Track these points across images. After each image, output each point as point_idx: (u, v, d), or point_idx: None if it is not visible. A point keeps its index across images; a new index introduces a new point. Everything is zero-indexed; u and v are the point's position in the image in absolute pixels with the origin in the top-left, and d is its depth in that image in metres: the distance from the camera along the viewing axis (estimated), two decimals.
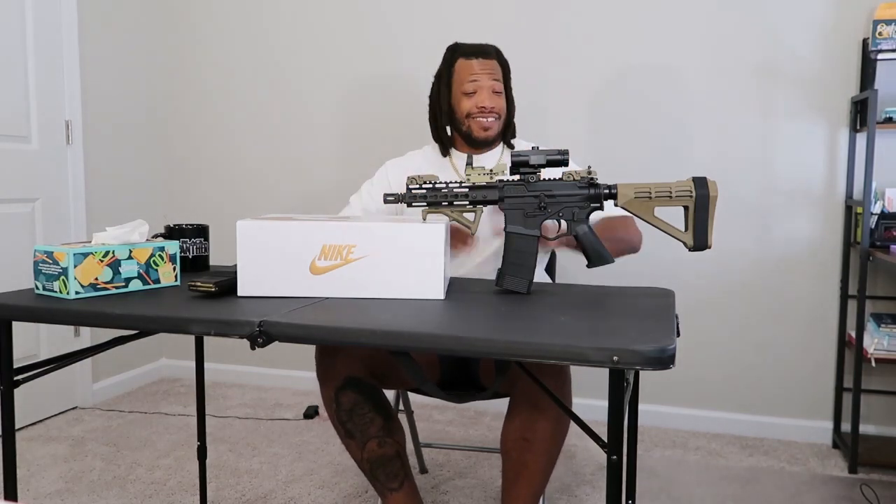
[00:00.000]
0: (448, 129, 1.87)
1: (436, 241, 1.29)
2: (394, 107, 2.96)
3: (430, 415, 2.85)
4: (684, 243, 1.36)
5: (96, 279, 1.32)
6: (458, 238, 1.63)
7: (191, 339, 1.75)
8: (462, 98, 1.79)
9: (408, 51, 2.93)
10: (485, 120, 1.77)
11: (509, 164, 1.40)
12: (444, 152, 1.87)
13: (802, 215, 2.60)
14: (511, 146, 1.88)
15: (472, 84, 1.77)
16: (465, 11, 2.85)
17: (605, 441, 1.03)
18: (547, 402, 1.48)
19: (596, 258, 1.42)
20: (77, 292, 1.30)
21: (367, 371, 1.59)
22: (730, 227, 2.60)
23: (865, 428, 2.54)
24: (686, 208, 1.36)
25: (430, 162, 1.88)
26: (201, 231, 1.63)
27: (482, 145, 1.82)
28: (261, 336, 1.10)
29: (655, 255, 2.62)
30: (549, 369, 1.45)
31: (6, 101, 2.59)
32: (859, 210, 2.41)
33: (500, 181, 1.39)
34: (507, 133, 1.87)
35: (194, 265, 1.61)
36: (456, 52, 1.82)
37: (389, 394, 1.98)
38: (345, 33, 3.02)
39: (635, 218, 1.50)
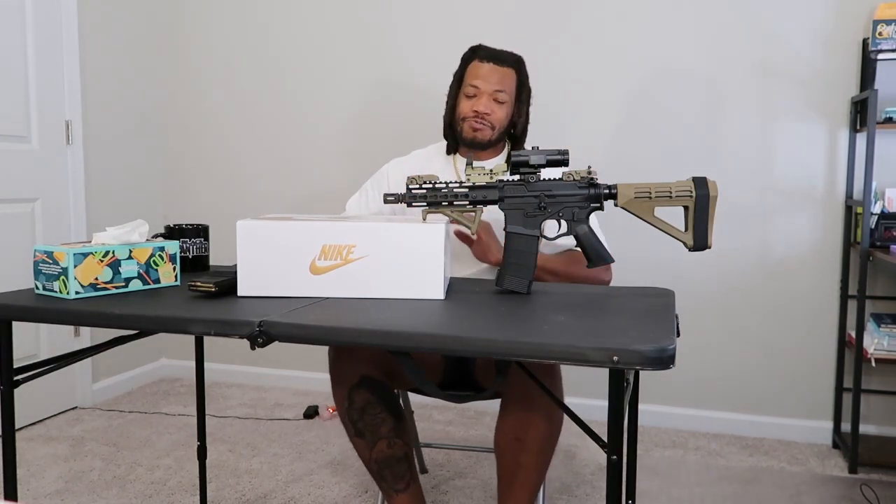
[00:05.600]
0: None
1: (436, 241, 1.29)
2: (396, 109, 2.96)
3: (430, 415, 2.85)
4: (684, 243, 1.36)
5: (96, 279, 1.32)
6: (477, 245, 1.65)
7: (191, 339, 1.75)
8: (463, 99, 1.78)
9: (411, 54, 2.93)
10: (476, 123, 1.75)
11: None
12: (449, 150, 1.86)
13: (802, 215, 2.60)
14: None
15: (473, 87, 1.76)
16: (473, 16, 2.85)
17: (605, 441, 1.03)
18: (539, 402, 1.48)
19: (596, 258, 1.42)
20: (77, 292, 1.29)
21: (381, 371, 1.60)
22: (730, 227, 2.60)
23: (865, 428, 2.54)
24: (686, 208, 1.36)
25: (432, 162, 1.88)
26: (201, 231, 1.63)
27: (475, 147, 1.79)
28: (261, 336, 1.10)
29: (655, 255, 2.62)
30: (540, 368, 1.45)
31: (6, 101, 2.59)
32: (859, 210, 2.41)
33: (500, 181, 1.39)
34: (516, 145, 1.84)
35: (194, 265, 1.61)
36: (474, 54, 1.80)
37: None
38: (348, 35, 3.02)
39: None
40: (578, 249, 1.74)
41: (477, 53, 1.79)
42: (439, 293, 1.30)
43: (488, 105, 1.75)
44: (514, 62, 1.79)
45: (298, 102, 3.11)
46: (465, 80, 1.79)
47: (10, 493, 1.33)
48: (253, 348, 1.12)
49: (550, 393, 1.20)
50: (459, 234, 1.63)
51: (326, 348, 1.62)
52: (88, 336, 2.91)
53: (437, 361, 1.75)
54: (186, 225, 1.61)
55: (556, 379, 1.54)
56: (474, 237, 1.61)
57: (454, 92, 1.82)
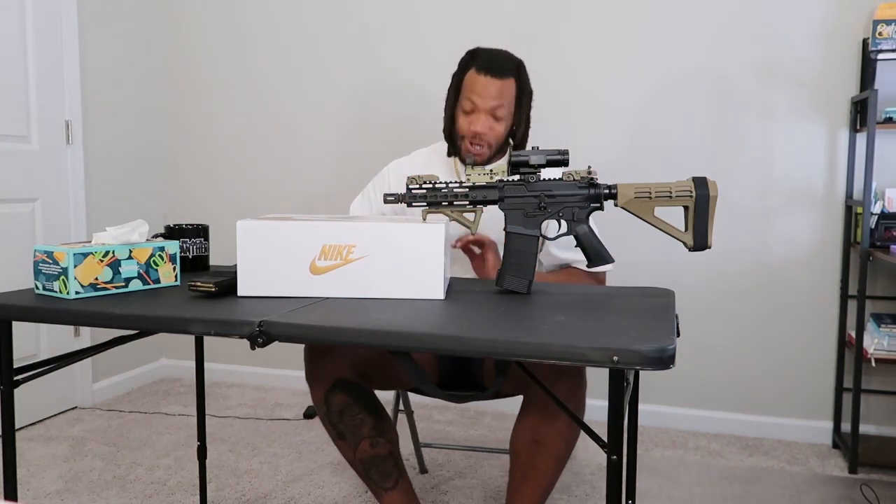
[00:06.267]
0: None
1: (436, 241, 1.29)
2: (395, 110, 2.96)
3: (430, 415, 2.85)
4: (684, 243, 1.36)
5: (96, 279, 1.32)
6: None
7: (191, 339, 1.75)
8: (461, 114, 1.73)
9: (411, 55, 2.93)
10: (473, 147, 1.72)
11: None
12: (450, 152, 1.84)
13: (802, 215, 2.60)
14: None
15: (470, 103, 1.70)
16: (473, 16, 2.85)
17: (605, 441, 1.03)
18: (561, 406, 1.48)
19: (596, 258, 1.42)
20: (77, 292, 1.29)
21: (357, 372, 1.60)
22: (730, 227, 2.60)
23: (865, 428, 2.54)
24: (686, 208, 1.36)
25: (433, 161, 1.87)
26: (201, 231, 1.63)
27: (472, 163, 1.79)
28: (261, 336, 1.10)
29: (655, 255, 2.62)
30: (566, 373, 1.44)
31: (6, 101, 2.59)
32: (859, 210, 2.41)
33: (500, 181, 1.39)
34: (517, 148, 1.82)
35: (194, 265, 1.61)
36: (471, 62, 1.72)
37: (389, 394, 1.98)
38: (347, 36, 3.02)
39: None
40: (577, 267, 1.76)
41: (475, 61, 1.72)
42: (439, 293, 1.30)
43: (486, 123, 1.70)
44: (512, 70, 1.71)
45: (298, 103, 3.11)
46: (462, 91, 1.73)
47: (10, 493, 1.34)
48: (253, 348, 1.12)
49: (552, 395, 1.20)
50: (466, 248, 1.64)
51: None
52: (88, 336, 2.91)
53: (431, 361, 1.75)
54: (186, 225, 1.61)
55: (579, 386, 1.50)
56: (474, 236, 1.61)
57: (452, 100, 1.77)
